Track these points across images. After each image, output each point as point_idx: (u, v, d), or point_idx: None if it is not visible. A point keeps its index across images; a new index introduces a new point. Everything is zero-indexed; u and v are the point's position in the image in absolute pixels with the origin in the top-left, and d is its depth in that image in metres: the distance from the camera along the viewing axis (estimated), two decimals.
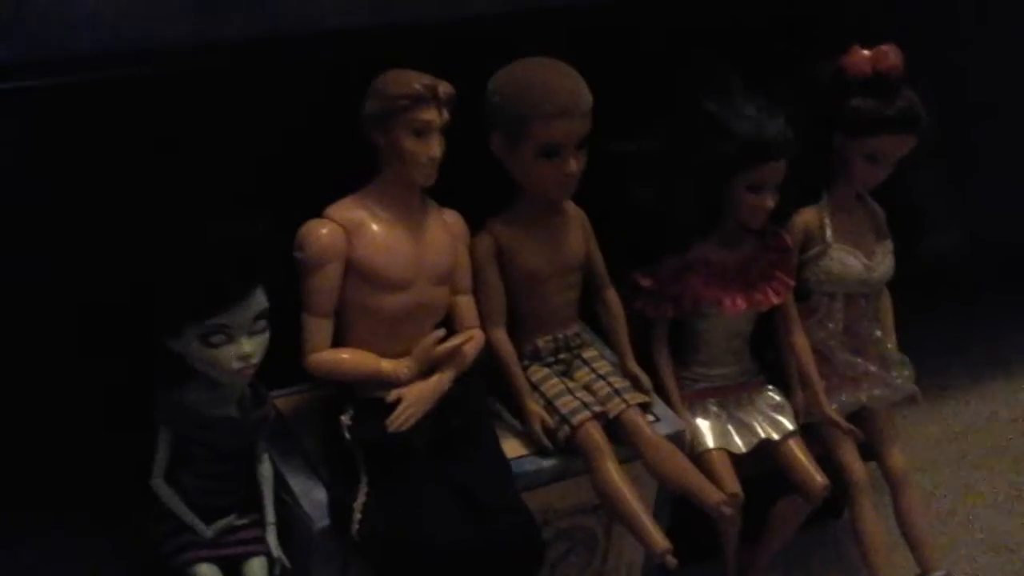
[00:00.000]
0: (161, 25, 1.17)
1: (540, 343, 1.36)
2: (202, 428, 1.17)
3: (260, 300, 1.14)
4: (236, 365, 1.13)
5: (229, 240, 1.11)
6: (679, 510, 1.36)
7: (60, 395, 1.24)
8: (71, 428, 1.26)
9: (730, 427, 1.45)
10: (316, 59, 1.24)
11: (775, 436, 1.45)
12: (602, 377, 1.36)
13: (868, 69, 1.41)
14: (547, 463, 1.30)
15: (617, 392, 1.33)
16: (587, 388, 1.34)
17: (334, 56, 1.25)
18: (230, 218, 1.13)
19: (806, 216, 1.48)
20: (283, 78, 1.23)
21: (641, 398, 1.35)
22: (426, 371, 1.25)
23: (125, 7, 1.15)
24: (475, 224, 1.32)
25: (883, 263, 1.50)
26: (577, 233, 1.36)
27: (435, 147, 1.20)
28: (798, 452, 1.45)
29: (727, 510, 1.26)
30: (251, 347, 1.13)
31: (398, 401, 1.23)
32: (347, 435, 1.21)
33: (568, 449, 1.30)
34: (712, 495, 1.27)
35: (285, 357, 1.21)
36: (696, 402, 1.46)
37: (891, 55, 1.41)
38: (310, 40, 1.24)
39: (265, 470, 1.22)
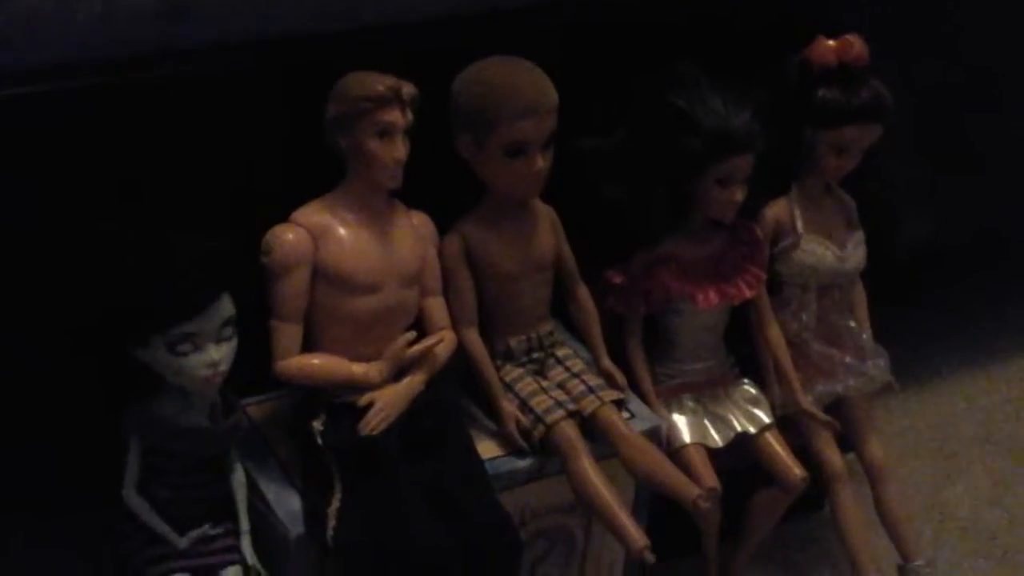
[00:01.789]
0: (121, 33, 1.17)
1: (513, 343, 1.35)
2: (172, 438, 1.16)
3: (227, 307, 1.13)
4: (204, 373, 1.12)
5: (193, 247, 1.10)
6: (658, 506, 1.36)
7: (22, 408, 1.23)
8: (38, 440, 1.24)
9: (706, 422, 1.45)
10: (277, 64, 1.24)
11: (752, 429, 1.45)
12: (576, 375, 1.35)
13: (833, 60, 1.41)
14: (523, 463, 1.30)
15: (591, 390, 1.33)
16: (561, 387, 1.34)
17: (296, 61, 1.24)
18: (194, 225, 1.12)
19: (776, 208, 1.47)
20: (244, 84, 1.22)
21: (616, 395, 1.34)
22: (398, 374, 1.24)
23: (85, 14, 1.14)
24: (443, 225, 1.31)
25: (855, 253, 1.50)
26: (546, 231, 1.36)
27: (400, 149, 1.19)
28: (775, 445, 1.45)
29: (705, 505, 1.26)
30: (219, 354, 1.12)
31: (370, 405, 1.22)
32: (319, 440, 1.21)
33: (544, 448, 1.29)
34: (689, 490, 1.26)
35: (257, 364, 1.21)
36: (671, 398, 1.45)
37: (856, 45, 1.41)
38: (270, 45, 1.23)
39: (237, 478, 1.21)
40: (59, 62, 1.15)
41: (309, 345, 1.23)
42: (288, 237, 1.20)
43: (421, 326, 1.29)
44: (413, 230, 1.27)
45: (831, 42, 1.42)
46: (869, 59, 1.41)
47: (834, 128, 1.42)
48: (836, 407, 1.51)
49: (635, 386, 1.42)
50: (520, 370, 1.35)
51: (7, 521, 1.25)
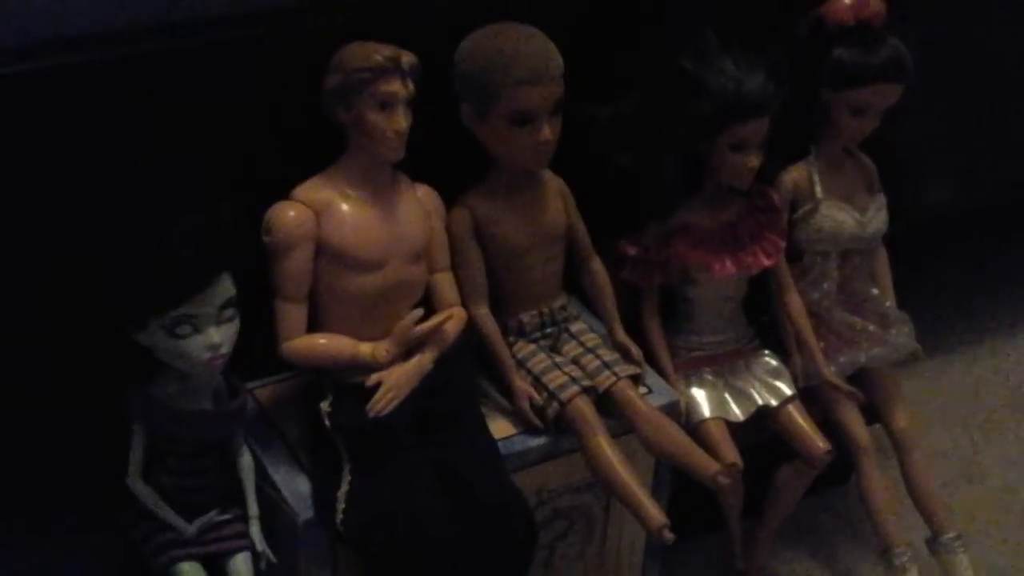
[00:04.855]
0: (119, 8, 1.14)
1: (525, 318, 1.32)
2: (176, 423, 1.14)
3: (227, 288, 1.10)
4: (205, 356, 1.09)
5: (190, 227, 1.07)
6: (680, 482, 1.33)
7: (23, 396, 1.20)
8: (44, 426, 1.22)
9: (727, 395, 1.42)
10: (275, 35, 1.20)
11: (773, 402, 1.42)
12: (590, 350, 1.32)
13: (850, 18, 1.37)
14: (537, 441, 1.27)
15: (607, 365, 1.30)
16: (575, 362, 1.31)
17: (294, 31, 1.21)
18: (192, 205, 1.09)
19: (794, 174, 1.44)
20: (241, 56, 1.19)
21: (632, 370, 1.31)
22: (406, 352, 1.21)
23: None
24: (449, 198, 1.28)
25: (876, 218, 1.46)
26: (557, 203, 1.32)
27: (401, 120, 1.16)
28: (798, 417, 1.42)
29: (724, 480, 1.23)
30: (220, 336, 1.10)
31: (378, 385, 1.19)
32: (327, 422, 1.18)
33: (558, 426, 1.27)
34: (708, 466, 1.23)
35: (264, 346, 1.18)
36: (690, 371, 1.42)
37: (873, 2, 1.37)
38: (267, 16, 1.20)
39: (245, 463, 1.19)
40: (49, 38, 1.12)
41: (315, 325, 1.20)
42: (290, 215, 1.17)
43: (430, 303, 1.26)
44: (418, 204, 1.24)
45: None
46: (887, 16, 1.37)
47: (852, 89, 1.38)
48: (860, 377, 1.48)
49: (652, 360, 1.39)
50: (533, 346, 1.32)
51: (9, 511, 1.23)
